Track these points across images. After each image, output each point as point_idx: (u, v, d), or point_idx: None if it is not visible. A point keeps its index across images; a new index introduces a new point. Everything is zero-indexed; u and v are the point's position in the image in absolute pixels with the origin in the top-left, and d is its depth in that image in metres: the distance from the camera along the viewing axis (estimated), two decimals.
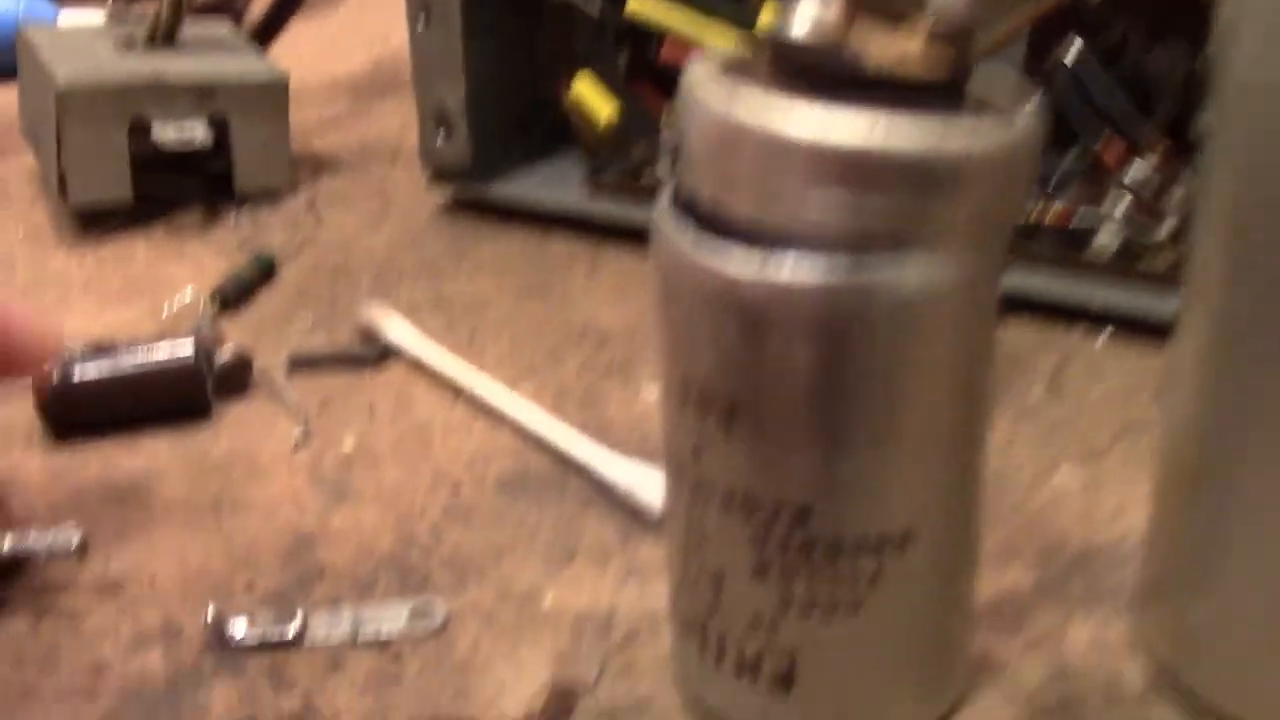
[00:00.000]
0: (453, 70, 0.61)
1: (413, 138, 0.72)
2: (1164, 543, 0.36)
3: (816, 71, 0.28)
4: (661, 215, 0.31)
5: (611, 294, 0.58)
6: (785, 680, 0.33)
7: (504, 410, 0.49)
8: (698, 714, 0.36)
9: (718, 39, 0.58)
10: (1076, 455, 0.46)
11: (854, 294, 0.28)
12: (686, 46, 0.59)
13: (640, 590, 0.40)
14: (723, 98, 0.28)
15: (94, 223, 0.67)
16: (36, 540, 0.40)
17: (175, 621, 0.40)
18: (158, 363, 0.49)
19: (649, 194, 0.62)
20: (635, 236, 0.61)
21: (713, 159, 0.29)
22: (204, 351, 0.51)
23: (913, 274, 0.28)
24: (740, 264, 0.29)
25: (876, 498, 0.31)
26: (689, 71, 0.30)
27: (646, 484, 0.43)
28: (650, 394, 0.51)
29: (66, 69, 0.63)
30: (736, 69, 0.30)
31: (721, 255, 0.29)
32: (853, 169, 0.27)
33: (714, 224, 0.29)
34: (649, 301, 0.55)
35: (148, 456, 0.48)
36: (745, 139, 0.28)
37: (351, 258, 0.63)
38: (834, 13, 0.28)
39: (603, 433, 0.48)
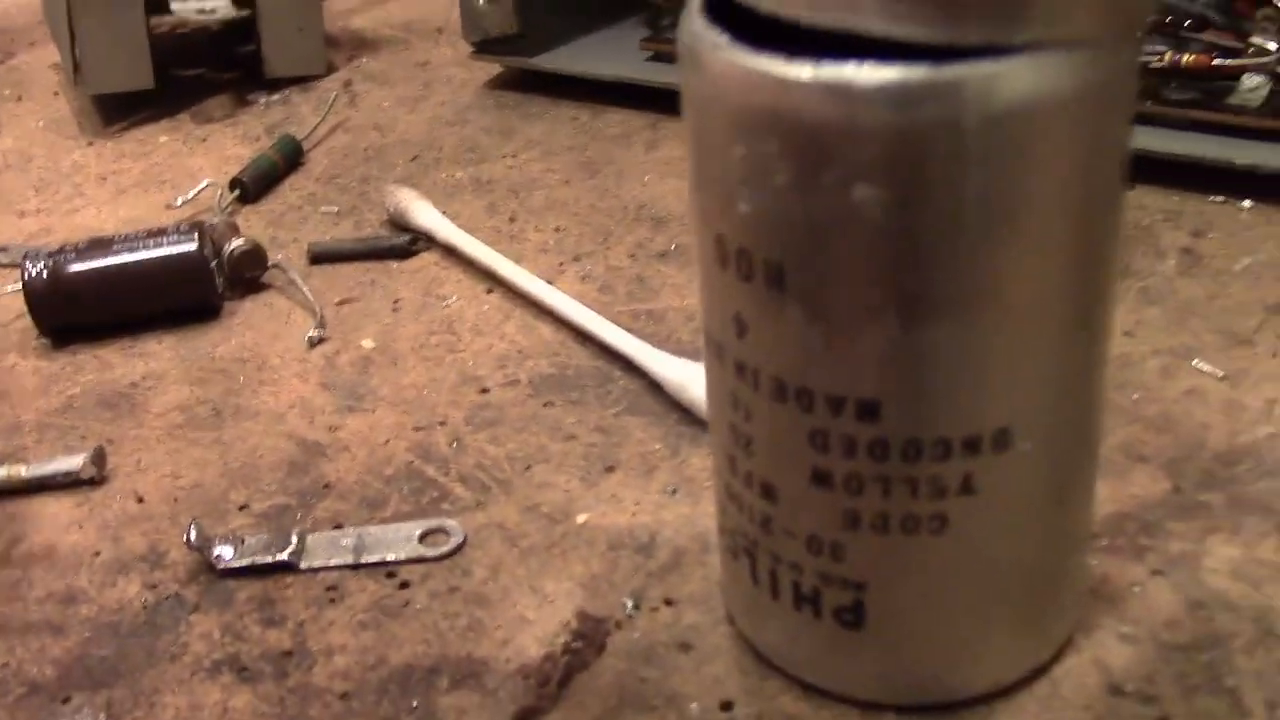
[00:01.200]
0: None
1: (460, 11, 0.65)
2: None
3: None
4: (692, 25, 0.24)
5: (671, 170, 0.51)
6: (853, 615, 0.27)
7: (543, 302, 0.43)
8: (751, 653, 0.30)
9: None
10: (1215, 342, 0.39)
11: (938, 100, 0.21)
12: None
13: (689, 507, 0.34)
14: None
15: (117, 113, 0.62)
16: (45, 468, 0.36)
17: (160, 545, 0.35)
18: (158, 256, 0.44)
19: None
20: None
21: None
22: (212, 244, 0.45)
23: (1016, 76, 0.21)
24: (790, 68, 0.22)
25: (965, 387, 0.24)
26: None
27: (697, 382, 0.37)
28: None
29: None
30: None
31: (766, 60, 0.22)
32: None
33: (758, 28, 0.22)
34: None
35: (147, 360, 0.43)
36: None
37: (387, 140, 0.57)
38: None
39: (655, 326, 0.42)
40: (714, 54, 0.23)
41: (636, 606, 0.31)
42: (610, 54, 0.58)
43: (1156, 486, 0.33)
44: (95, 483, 0.37)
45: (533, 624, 0.31)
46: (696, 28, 0.24)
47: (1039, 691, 0.28)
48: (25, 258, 0.44)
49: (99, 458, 0.37)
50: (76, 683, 0.31)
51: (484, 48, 0.59)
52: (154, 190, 0.55)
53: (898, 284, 0.23)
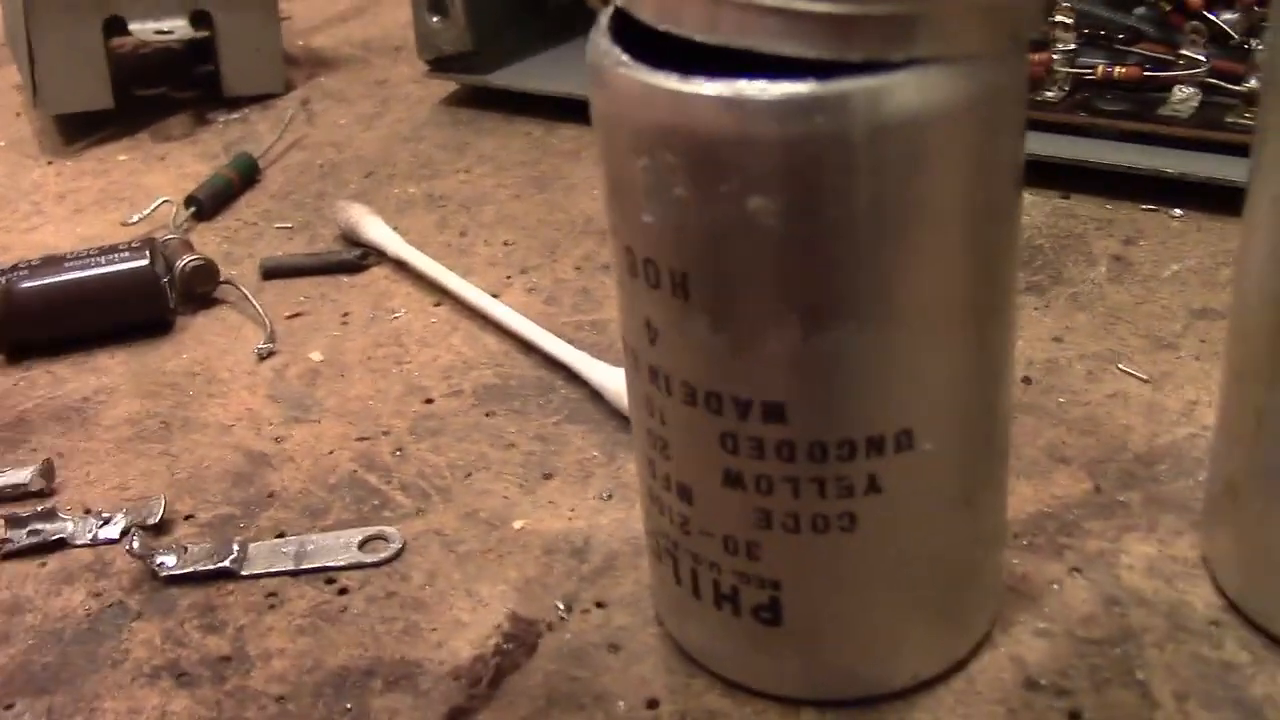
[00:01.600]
0: None
1: None
2: (1234, 446, 0.30)
3: None
4: (598, 44, 0.25)
5: None
6: (770, 613, 0.27)
7: (488, 314, 0.44)
8: (678, 652, 0.30)
9: None
10: (1141, 346, 0.40)
11: (827, 113, 0.22)
12: None
13: (624, 512, 0.35)
14: None
15: (78, 133, 0.62)
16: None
17: (105, 555, 0.36)
18: (110, 272, 0.45)
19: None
20: None
21: None
22: (164, 260, 0.46)
23: (902, 89, 0.22)
24: (686, 84, 0.23)
25: (867, 389, 0.25)
26: None
27: None
28: None
29: None
30: None
31: (663, 77, 0.23)
32: None
33: (655, 45, 0.23)
34: None
35: (99, 375, 0.44)
36: None
37: (342, 157, 0.58)
38: None
39: (597, 336, 0.43)
40: (616, 70, 0.24)
41: (568, 609, 0.32)
42: (563, 71, 0.59)
43: (1078, 487, 0.34)
44: (44, 494, 0.38)
45: (467, 627, 0.32)
46: (602, 46, 0.25)
47: (956, 686, 0.29)
48: None
49: (47, 471, 0.38)
50: (19, 689, 0.32)
51: (438, 65, 0.60)
52: (111, 208, 0.55)
53: (796, 291, 0.24)
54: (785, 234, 0.23)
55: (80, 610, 0.34)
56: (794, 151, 0.23)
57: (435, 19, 0.57)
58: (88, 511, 0.37)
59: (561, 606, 0.32)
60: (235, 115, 0.63)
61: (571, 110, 0.58)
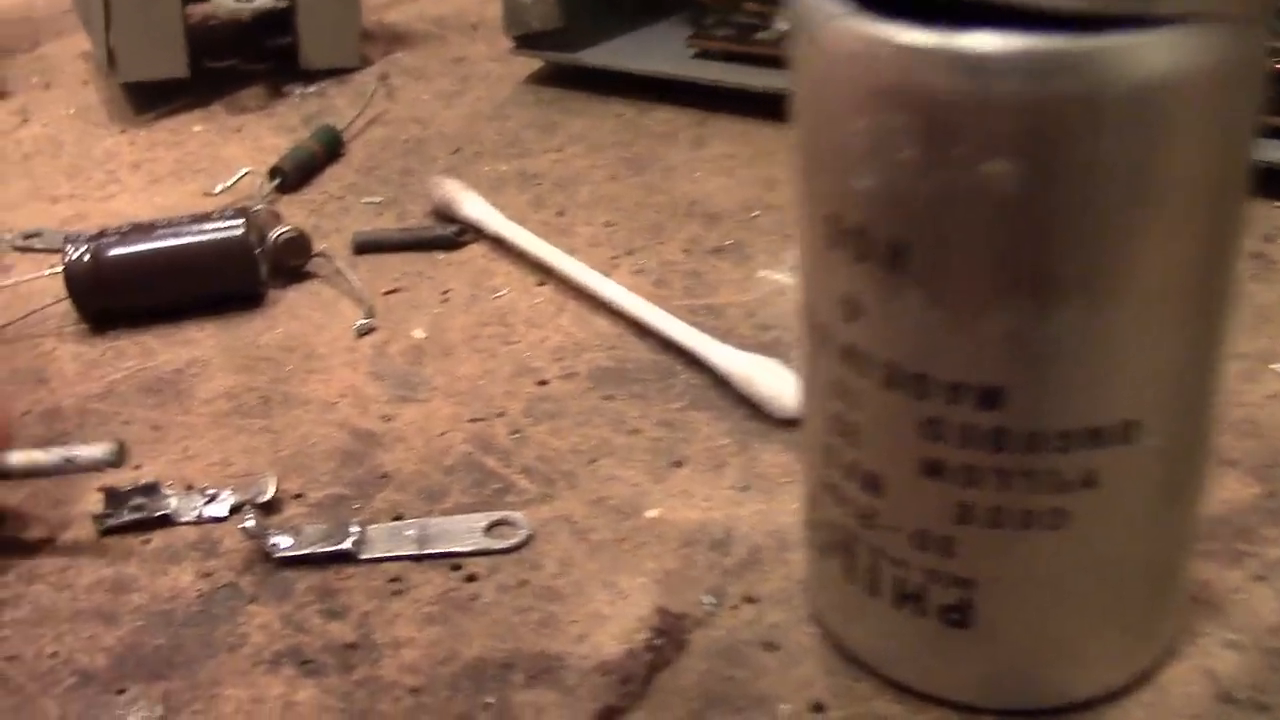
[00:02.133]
0: None
1: (493, 9, 0.64)
2: None
3: None
4: None
5: (720, 168, 0.50)
6: (960, 614, 0.26)
7: (599, 294, 0.42)
8: (840, 653, 0.29)
9: None
10: None
11: (1075, 72, 0.20)
12: None
13: (763, 504, 0.33)
14: None
15: (149, 102, 0.61)
16: (70, 455, 0.34)
17: (212, 534, 0.34)
18: (203, 240, 0.43)
19: (761, 59, 0.54)
20: (746, 104, 0.53)
21: None
22: (257, 230, 0.44)
23: (1156, 49, 0.20)
24: (920, 38, 0.21)
25: (1093, 376, 0.23)
26: None
27: (769, 377, 0.36)
28: (768, 277, 0.43)
29: None
30: None
31: (893, 30, 0.21)
32: None
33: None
34: (765, 173, 0.47)
35: (190, 347, 0.42)
36: None
37: (426, 133, 0.56)
38: None
39: (715, 320, 0.41)
40: (833, 24, 0.22)
41: (717, 604, 0.30)
42: (654, 50, 0.57)
43: (1247, 491, 0.32)
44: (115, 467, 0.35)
45: (608, 620, 0.30)
46: None
47: (1145, 698, 0.27)
48: (66, 241, 0.43)
49: (120, 450, 0.33)
50: (130, 673, 0.30)
51: (525, 42, 0.58)
52: (189, 178, 0.54)
53: (1027, 265, 0.22)
54: (1021, 202, 0.21)
55: (190, 591, 0.32)
56: (1038, 113, 0.21)
57: None
58: (189, 488, 0.36)
59: (709, 601, 0.30)
60: (312, 89, 0.61)
61: (662, 91, 0.56)
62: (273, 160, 0.53)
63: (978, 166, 0.21)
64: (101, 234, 0.43)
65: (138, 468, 0.37)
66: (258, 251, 0.44)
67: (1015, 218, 0.22)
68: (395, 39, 0.66)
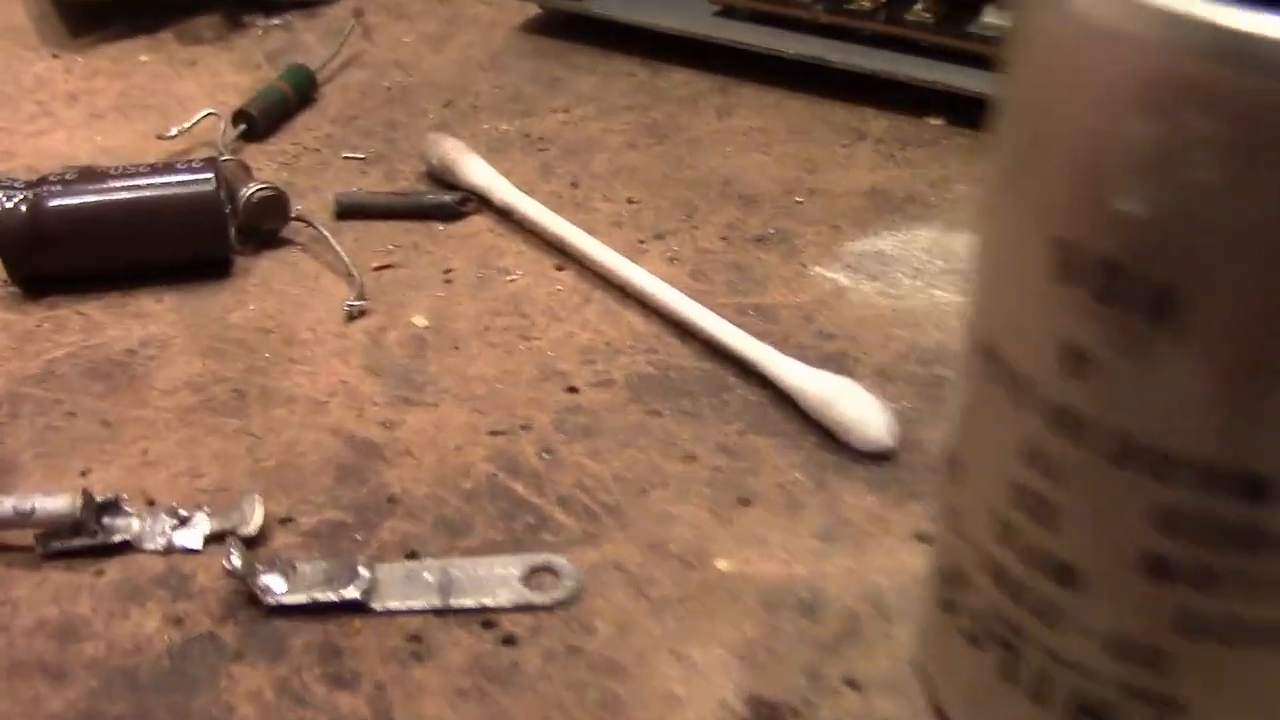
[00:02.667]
0: None
1: None
2: None
3: None
4: None
5: (752, 143, 0.45)
6: None
7: (633, 286, 0.36)
8: None
9: None
10: None
11: None
12: None
13: (852, 559, 0.28)
14: None
15: (86, 24, 0.53)
16: (23, 507, 0.27)
17: (181, 567, 0.28)
18: (165, 195, 0.36)
19: (792, 22, 0.49)
20: (774, 71, 0.47)
21: None
22: (226, 186, 0.37)
23: None
24: (1250, 20, 0.15)
25: None
26: None
27: (852, 402, 0.31)
28: (822, 275, 0.38)
29: None
30: None
31: (1207, 8, 0.16)
32: None
33: None
34: (804, 152, 0.41)
35: (144, 322, 0.36)
36: None
37: (412, 81, 0.49)
38: None
39: (767, 325, 0.35)
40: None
41: (815, 690, 0.25)
42: (670, 3, 0.51)
43: None
44: (88, 531, 0.28)
45: (685, 705, 0.25)
46: None
47: None
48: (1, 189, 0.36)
49: (90, 503, 0.28)
50: None
51: None
52: (136, 117, 0.46)
53: None
54: None
55: (157, 642, 0.26)
56: None
57: None
58: (151, 503, 0.29)
59: (804, 684, 0.25)
60: (276, 21, 0.54)
61: (679, 50, 0.50)
62: (234, 101, 0.46)
63: None
64: (42, 180, 0.36)
65: (85, 474, 0.30)
66: (227, 211, 0.37)
67: None
68: None
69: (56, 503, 0.27)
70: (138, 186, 0.36)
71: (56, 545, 0.28)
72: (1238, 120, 0.16)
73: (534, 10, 0.54)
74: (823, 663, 0.25)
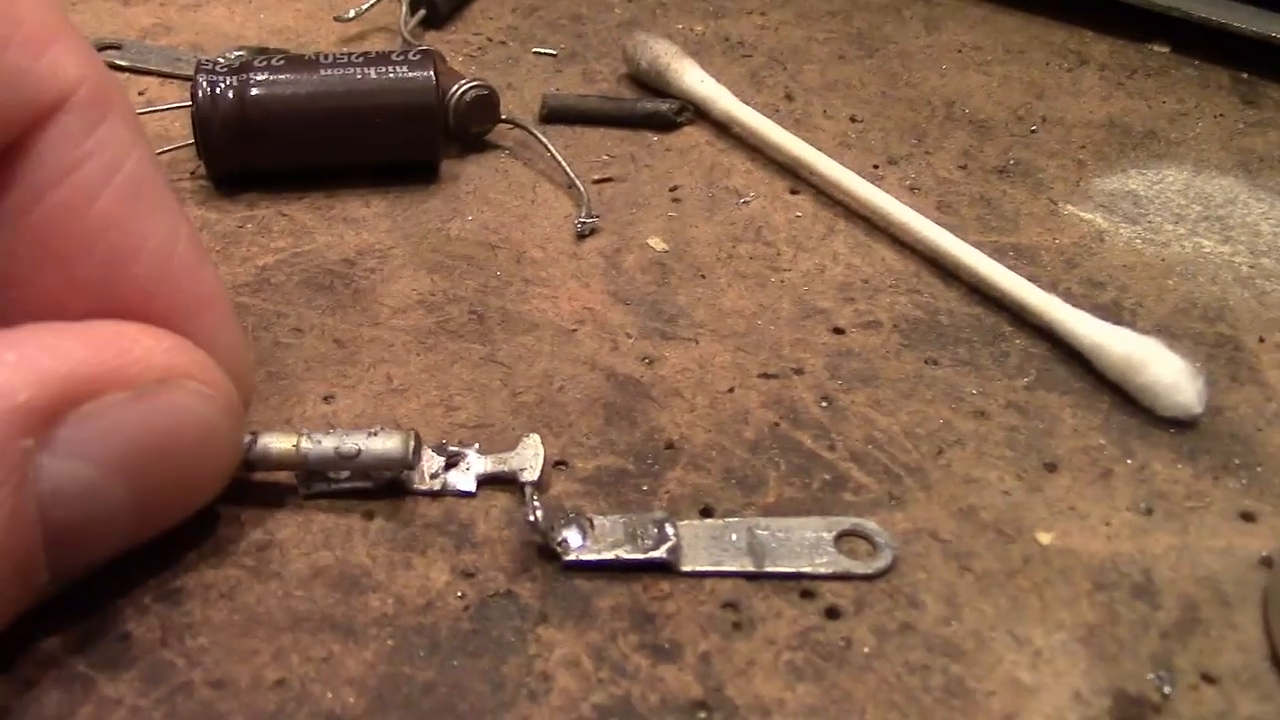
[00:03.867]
0: None
1: None
2: None
3: None
4: None
5: (969, 61, 0.42)
6: None
7: (884, 215, 0.33)
8: None
9: None
10: None
11: None
12: None
13: (1176, 536, 0.26)
14: None
15: None
16: (350, 448, 0.25)
17: (457, 513, 0.25)
18: (383, 89, 0.33)
19: None
20: None
21: None
22: (440, 80, 0.34)
23: None
24: None
25: None
26: None
27: (1161, 364, 0.28)
28: (1076, 214, 0.35)
29: None
30: None
31: None
32: None
33: None
34: (1027, 75, 0.38)
35: (358, 229, 0.33)
36: None
37: None
38: None
39: (1029, 267, 0.33)
40: None
41: (1171, 682, 0.23)
42: None
43: None
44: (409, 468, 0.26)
45: (1036, 694, 0.23)
46: None
47: None
48: (200, 71, 0.32)
49: (417, 442, 0.25)
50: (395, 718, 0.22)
51: None
52: None
53: None
54: None
55: (451, 598, 0.24)
56: None
57: None
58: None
59: (1162, 679, 0.23)
60: None
61: None
62: None
63: None
64: (247, 65, 0.33)
65: (328, 399, 0.28)
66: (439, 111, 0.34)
67: None
68: None
69: (386, 444, 0.24)
70: (352, 79, 0.33)
71: (320, 486, 0.25)
72: None
73: None
74: (1171, 653, 0.24)
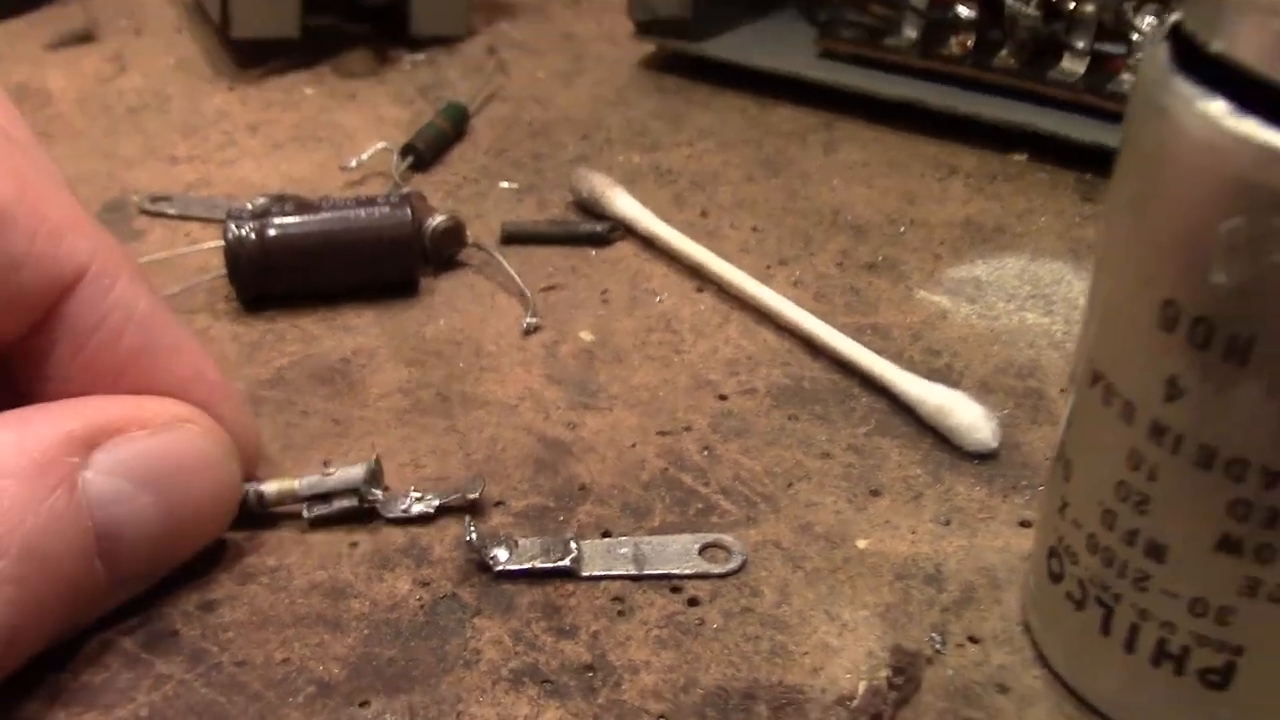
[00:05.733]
0: None
1: None
2: None
3: None
4: (1162, 77, 0.24)
5: (856, 176, 0.51)
6: (1220, 676, 0.27)
7: (766, 306, 0.42)
8: (1073, 699, 0.30)
9: None
10: None
11: None
12: None
13: (965, 539, 0.34)
14: None
15: (251, 58, 0.60)
16: (323, 481, 0.34)
17: (419, 540, 0.34)
18: (370, 225, 0.43)
19: (890, 65, 0.54)
20: (874, 110, 0.53)
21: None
22: (417, 215, 0.44)
23: None
24: None
25: None
26: None
27: (964, 411, 0.37)
28: (927, 298, 0.44)
29: None
30: None
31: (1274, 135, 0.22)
32: None
33: (1263, 95, 0.22)
34: (903, 185, 0.47)
35: (352, 334, 0.42)
36: None
37: (549, 115, 0.55)
38: None
39: (882, 341, 0.41)
40: (1206, 119, 0.23)
41: (943, 642, 0.31)
42: (777, 46, 0.57)
43: None
44: (368, 501, 0.35)
45: (838, 652, 0.31)
46: (1174, 84, 0.23)
47: None
48: (230, 217, 0.42)
49: (378, 471, 0.35)
50: (369, 685, 0.30)
51: (648, 29, 0.57)
52: (312, 146, 0.53)
53: None
54: None
55: (411, 600, 0.32)
56: None
57: None
58: (387, 488, 0.36)
59: (936, 639, 0.31)
60: (420, 56, 0.60)
61: (785, 88, 0.56)
62: (394, 132, 0.53)
63: None
64: (265, 211, 0.42)
65: (326, 463, 0.37)
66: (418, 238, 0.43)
67: None
68: (496, 9, 0.66)
69: (354, 469, 0.33)
70: (347, 219, 0.42)
71: (319, 511, 0.34)
72: None
73: (650, 48, 0.60)
74: (947, 622, 0.32)
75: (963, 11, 0.53)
